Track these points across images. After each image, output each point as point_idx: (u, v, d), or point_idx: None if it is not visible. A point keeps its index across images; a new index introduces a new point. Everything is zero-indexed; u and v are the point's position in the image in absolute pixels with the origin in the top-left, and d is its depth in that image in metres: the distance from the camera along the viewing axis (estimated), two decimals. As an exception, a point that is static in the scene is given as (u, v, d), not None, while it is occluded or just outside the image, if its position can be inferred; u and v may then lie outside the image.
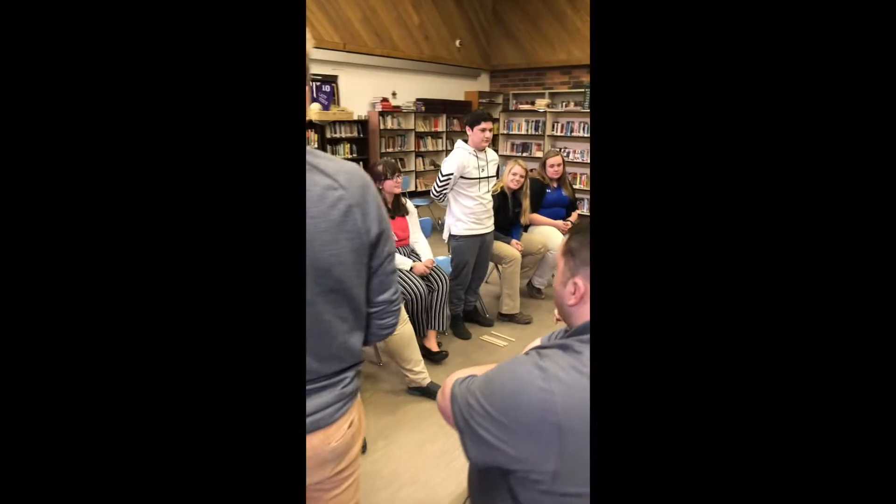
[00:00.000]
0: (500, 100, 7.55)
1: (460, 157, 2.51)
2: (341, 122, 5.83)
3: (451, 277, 2.65)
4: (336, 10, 5.62)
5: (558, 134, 6.47)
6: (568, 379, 0.61)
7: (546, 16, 6.66)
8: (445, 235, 2.71)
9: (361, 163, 5.42)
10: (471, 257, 2.67)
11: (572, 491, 0.60)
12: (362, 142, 6.13)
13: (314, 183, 0.69)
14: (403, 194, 2.59)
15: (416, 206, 5.41)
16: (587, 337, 0.66)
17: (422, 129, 6.66)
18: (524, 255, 3.01)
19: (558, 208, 3.34)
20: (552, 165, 3.22)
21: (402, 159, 6.63)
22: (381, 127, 6.10)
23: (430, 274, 2.47)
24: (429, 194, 2.69)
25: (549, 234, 3.18)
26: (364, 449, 1.85)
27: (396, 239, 2.44)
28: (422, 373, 2.19)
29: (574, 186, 3.78)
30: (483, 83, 7.69)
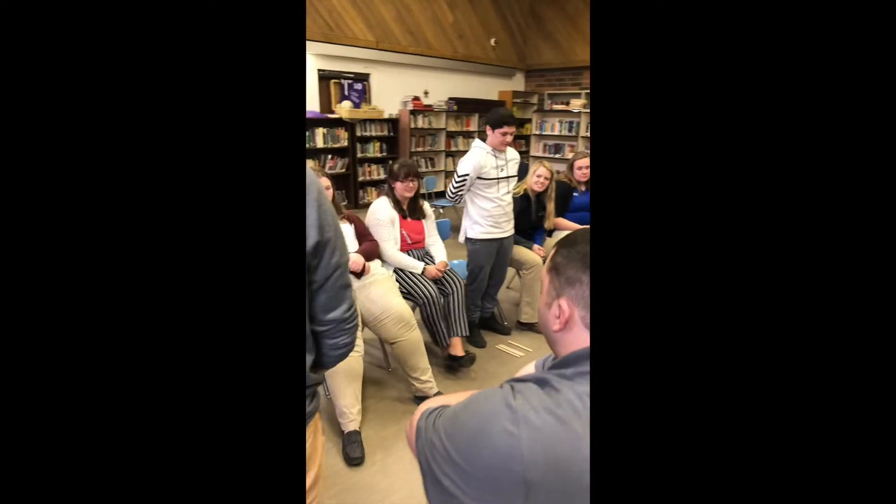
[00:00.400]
0: (534, 100, 7.39)
1: (477, 157, 2.37)
2: (372, 121, 5.82)
3: (467, 283, 2.54)
4: (370, 9, 5.61)
5: (593, 135, 6.27)
6: (539, 423, 0.50)
7: (585, 13, 6.46)
8: (462, 238, 2.60)
9: (390, 161, 5.38)
10: (486, 262, 2.54)
11: None
12: (392, 140, 6.11)
13: None
14: (425, 196, 2.49)
15: (443, 208, 5.37)
16: (570, 372, 0.55)
17: (453, 129, 6.59)
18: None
19: (585, 213, 3.16)
20: (580, 168, 3.05)
21: (431, 158, 6.58)
22: (412, 126, 6.06)
23: (444, 278, 2.36)
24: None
25: (574, 240, 3.03)
26: (362, 461, 1.77)
27: (410, 241, 2.35)
28: (429, 382, 2.08)
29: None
30: (518, 82, 7.55)
